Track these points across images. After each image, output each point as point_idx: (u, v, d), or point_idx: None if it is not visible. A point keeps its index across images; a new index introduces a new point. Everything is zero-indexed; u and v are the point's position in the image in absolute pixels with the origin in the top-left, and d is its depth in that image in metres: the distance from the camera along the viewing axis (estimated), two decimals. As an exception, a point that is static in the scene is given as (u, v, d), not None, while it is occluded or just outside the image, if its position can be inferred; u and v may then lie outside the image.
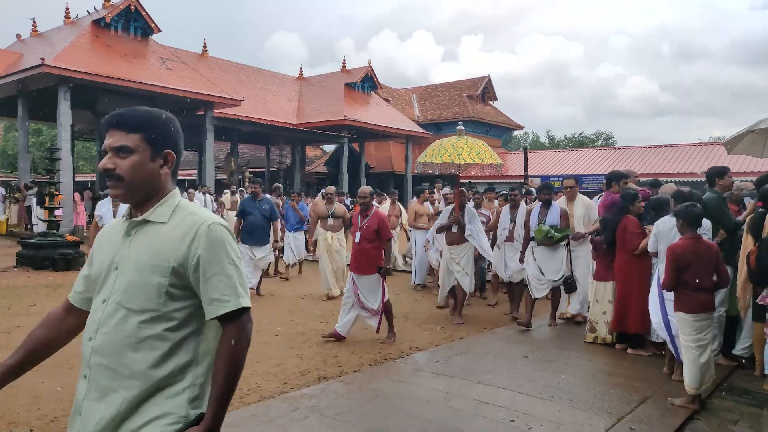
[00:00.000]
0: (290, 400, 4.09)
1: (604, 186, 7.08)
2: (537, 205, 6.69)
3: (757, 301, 4.62)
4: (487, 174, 26.64)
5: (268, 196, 8.51)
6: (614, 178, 6.43)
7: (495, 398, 4.24)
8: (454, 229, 6.90)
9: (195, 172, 30.77)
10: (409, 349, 5.62)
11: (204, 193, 15.23)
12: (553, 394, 4.34)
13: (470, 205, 7.22)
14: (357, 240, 5.84)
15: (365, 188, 6.11)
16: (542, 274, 6.42)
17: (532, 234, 6.50)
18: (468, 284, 6.86)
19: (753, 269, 4.62)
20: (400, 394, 4.32)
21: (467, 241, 6.83)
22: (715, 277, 4.16)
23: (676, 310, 4.24)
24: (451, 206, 7.15)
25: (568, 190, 6.81)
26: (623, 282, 5.50)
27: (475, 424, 3.75)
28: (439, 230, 7.16)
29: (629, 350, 5.54)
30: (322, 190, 9.48)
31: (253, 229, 8.01)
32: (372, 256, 5.79)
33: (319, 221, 8.69)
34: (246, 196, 8.31)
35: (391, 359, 5.27)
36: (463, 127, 7.52)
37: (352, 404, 4.06)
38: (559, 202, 6.78)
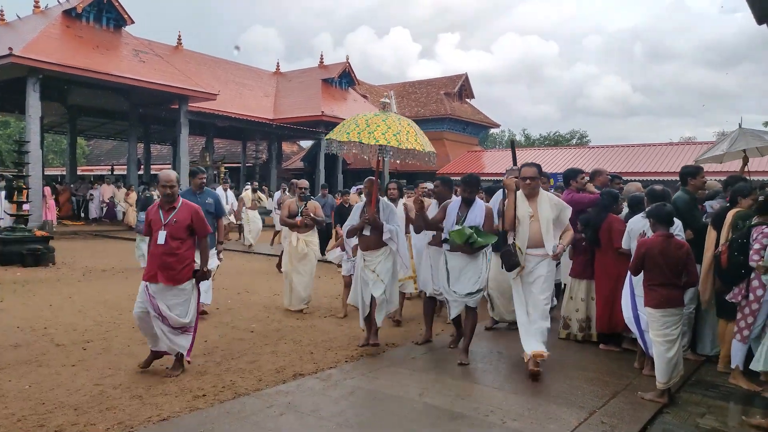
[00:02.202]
0: (265, 397, 4.07)
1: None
2: (455, 201, 5.35)
3: (727, 298, 4.74)
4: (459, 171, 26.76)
5: (210, 189, 6.88)
6: (571, 176, 6.38)
7: (470, 393, 4.28)
8: (367, 231, 5.45)
9: (169, 166, 30.32)
10: (386, 346, 5.63)
11: (225, 189, 14.37)
12: (526, 389, 4.40)
13: (385, 199, 5.86)
14: (161, 240, 4.58)
15: (168, 173, 4.74)
16: (453, 290, 5.11)
17: (445, 235, 5.18)
18: (381, 294, 5.36)
19: (724, 268, 4.73)
20: (376, 391, 4.32)
21: (386, 245, 5.42)
22: (684, 276, 4.26)
23: (645, 305, 4.35)
24: (362, 203, 5.71)
25: (528, 182, 4.85)
26: (609, 280, 5.50)
27: (451, 420, 3.77)
28: (350, 233, 5.64)
29: (601, 346, 5.63)
30: (292, 183, 9.03)
31: None
32: (183, 259, 4.62)
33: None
34: (187, 188, 6.72)
35: (368, 356, 5.28)
36: (388, 101, 5.65)
37: (327, 401, 4.05)
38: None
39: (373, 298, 5.38)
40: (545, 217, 4.76)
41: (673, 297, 4.22)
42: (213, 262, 6.32)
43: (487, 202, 6.06)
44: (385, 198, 6.14)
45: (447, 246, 5.16)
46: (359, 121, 5.15)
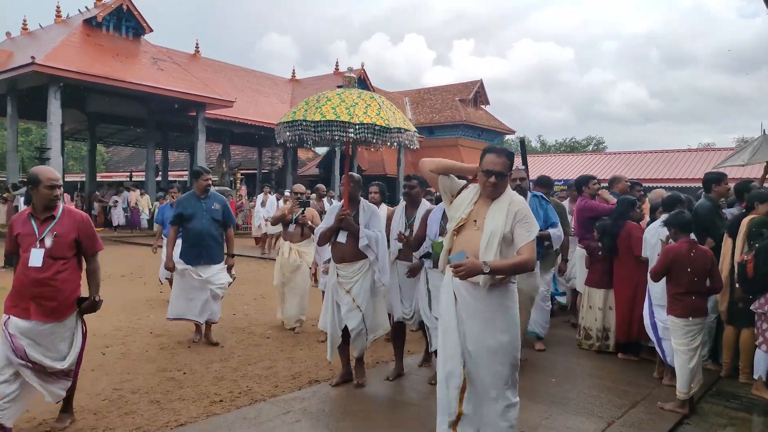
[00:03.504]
0: (281, 403, 4.07)
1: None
2: (438, 208, 4.49)
3: (752, 308, 4.65)
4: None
5: (214, 191, 5.94)
6: (583, 182, 6.36)
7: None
8: (342, 238, 4.46)
9: (186, 173, 30.68)
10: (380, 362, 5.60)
11: (267, 195, 14.25)
12: (544, 398, 4.35)
13: (365, 201, 4.67)
14: (36, 262, 3.39)
15: (51, 168, 3.64)
16: (432, 311, 4.36)
17: (427, 249, 4.33)
18: (357, 325, 4.36)
19: (750, 278, 4.64)
20: (392, 397, 4.31)
21: (365, 257, 4.44)
22: (708, 283, 4.21)
23: (669, 313, 4.29)
24: (339, 204, 4.71)
25: (493, 180, 3.09)
26: (629, 289, 5.43)
27: (467, 428, 3.74)
28: (321, 239, 4.59)
29: (619, 355, 5.56)
30: (317, 189, 8.70)
31: (198, 239, 5.59)
32: (66, 285, 3.46)
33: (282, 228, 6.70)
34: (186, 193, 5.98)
35: (383, 362, 5.27)
36: (353, 75, 4.63)
37: (343, 407, 4.05)
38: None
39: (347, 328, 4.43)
40: (490, 229, 2.94)
41: (698, 306, 4.17)
42: (224, 278, 5.79)
43: None
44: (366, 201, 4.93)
45: (428, 262, 4.32)
46: (310, 99, 4.26)
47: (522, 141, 5.62)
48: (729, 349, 4.97)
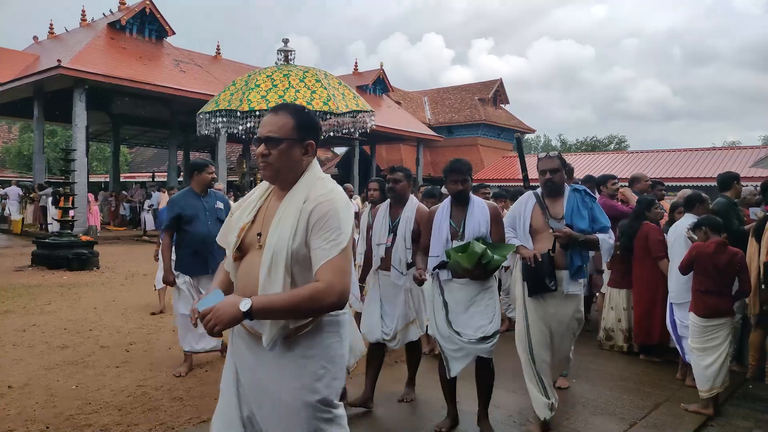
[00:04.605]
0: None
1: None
2: (442, 207, 3.77)
3: None
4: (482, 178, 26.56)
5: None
6: (602, 182, 6.33)
7: (506, 402, 4.23)
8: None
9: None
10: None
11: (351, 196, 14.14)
12: (565, 399, 4.32)
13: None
14: None
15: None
16: (455, 331, 3.54)
17: (440, 257, 3.61)
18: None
19: None
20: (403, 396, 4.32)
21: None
22: (737, 285, 4.15)
23: (690, 310, 4.25)
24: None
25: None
26: (647, 291, 5.37)
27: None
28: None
29: (641, 356, 5.50)
30: (345, 188, 8.65)
31: (203, 245, 4.66)
32: None
33: None
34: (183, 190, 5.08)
35: (398, 362, 5.26)
36: (291, 48, 3.91)
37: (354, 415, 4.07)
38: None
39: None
40: (273, 245, 1.87)
41: (720, 306, 4.10)
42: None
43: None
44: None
45: (445, 274, 3.60)
46: (237, 82, 3.62)
47: (518, 140, 5.19)
48: (755, 350, 4.89)
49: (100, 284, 9.29)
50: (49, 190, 17.53)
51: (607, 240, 3.69)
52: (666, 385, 4.74)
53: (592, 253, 3.54)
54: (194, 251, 4.70)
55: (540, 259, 3.57)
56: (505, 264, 3.71)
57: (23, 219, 19.26)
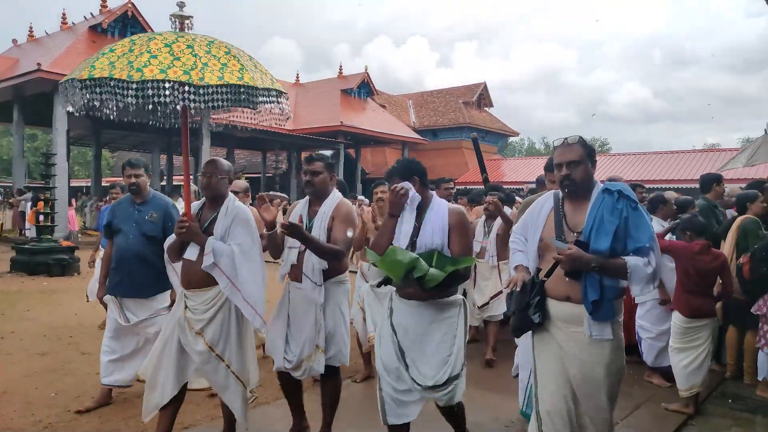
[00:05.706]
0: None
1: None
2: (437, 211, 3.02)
3: (752, 310, 4.64)
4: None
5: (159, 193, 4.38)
6: None
7: (491, 403, 4.24)
8: (192, 253, 3.21)
9: (191, 177, 30.67)
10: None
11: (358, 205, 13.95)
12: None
13: (234, 199, 3.35)
14: None
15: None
16: (406, 365, 2.83)
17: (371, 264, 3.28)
18: (221, 377, 3.29)
19: (747, 279, 4.64)
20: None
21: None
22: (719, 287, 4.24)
23: (673, 308, 4.30)
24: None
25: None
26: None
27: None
28: (169, 253, 3.42)
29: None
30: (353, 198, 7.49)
31: (120, 261, 3.99)
32: None
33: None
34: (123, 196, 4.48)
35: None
36: (183, 14, 3.29)
37: (347, 409, 4.05)
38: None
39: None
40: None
41: (703, 307, 4.16)
42: (158, 324, 3.92)
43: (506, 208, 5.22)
44: (235, 196, 3.42)
45: (391, 286, 2.94)
46: (117, 47, 2.85)
47: (475, 140, 5.02)
48: (732, 349, 4.98)
49: (81, 290, 9.13)
50: (29, 195, 17.26)
51: (640, 267, 2.42)
52: (647, 385, 4.79)
53: (623, 282, 2.51)
54: (114, 267, 4.03)
55: (522, 288, 2.58)
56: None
57: (2, 224, 18.95)
